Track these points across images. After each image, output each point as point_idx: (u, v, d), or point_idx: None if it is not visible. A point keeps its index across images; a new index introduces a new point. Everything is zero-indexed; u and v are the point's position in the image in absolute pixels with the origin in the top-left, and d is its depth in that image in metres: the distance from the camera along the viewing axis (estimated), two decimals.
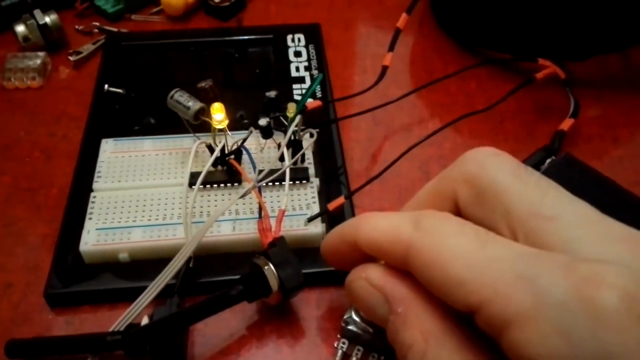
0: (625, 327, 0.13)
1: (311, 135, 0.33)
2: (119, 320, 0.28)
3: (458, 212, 0.21)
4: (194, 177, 0.32)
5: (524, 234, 0.17)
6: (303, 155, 0.34)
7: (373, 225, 0.20)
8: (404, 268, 0.19)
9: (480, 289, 0.15)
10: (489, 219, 0.18)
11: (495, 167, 0.19)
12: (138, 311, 0.27)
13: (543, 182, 0.18)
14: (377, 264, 0.21)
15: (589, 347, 0.13)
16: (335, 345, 0.27)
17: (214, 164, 0.33)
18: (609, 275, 0.14)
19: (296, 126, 0.32)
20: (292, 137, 0.32)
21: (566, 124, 0.37)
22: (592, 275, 0.14)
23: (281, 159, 0.32)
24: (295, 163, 0.33)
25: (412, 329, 0.18)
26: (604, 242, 0.15)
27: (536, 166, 0.34)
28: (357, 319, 0.26)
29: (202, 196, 0.32)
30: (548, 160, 0.35)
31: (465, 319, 0.17)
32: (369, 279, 0.20)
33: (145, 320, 0.27)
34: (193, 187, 0.31)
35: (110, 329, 0.28)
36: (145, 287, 0.27)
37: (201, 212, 0.31)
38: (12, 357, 0.27)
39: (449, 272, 0.16)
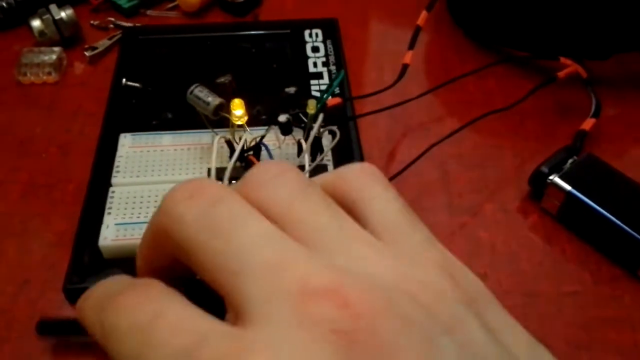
0: None
1: (333, 136, 0.33)
2: None
3: None
4: (211, 173, 0.31)
5: (225, 299, 0.14)
6: (321, 152, 0.33)
7: (78, 310, 0.17)
8: None
9: None
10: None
11: (180, 221, 0.15)
12: None
13: (227, 226, 0.14)
14: None
15: None
16: None
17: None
18: None
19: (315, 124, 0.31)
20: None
21: (588, 124, 0.37)
22: None
23: (299, 155, 0.32)
24: (313, 160, 0.33)
25: None
26: (277, 297, 0.13)
27: (558, 166, 0.34)
28: None
29: None
30: (570, 161, 0.34)
31: None
32: None
33: None
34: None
35: None
36: None
37: None
38: (43, 334, 0.27)
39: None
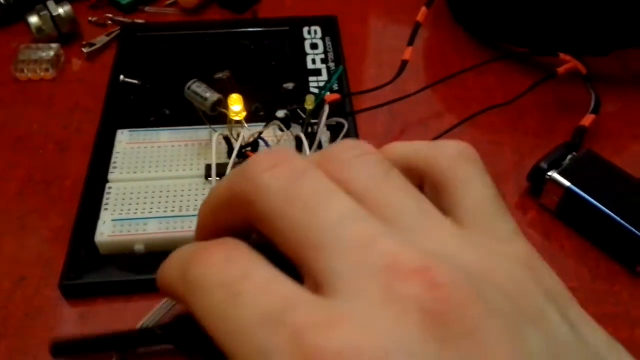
0: None
1: (332, 132, 0.32)
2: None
3: None
4: (209, 169, 0.31)
5: (301, 269, 0.14)
6: (320, 148, 0.33)
7: (159, 275, 0.17)
8: None
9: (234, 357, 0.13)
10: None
11: (266, 190, 0.15)
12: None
13: (312, 202, 0.14)
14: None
15: None
16: None
17: (231, 156, 0.32)
18: (331, 350, 0.12)
19: (318, 119, 0.31)
20: (310, 130, 0.32)
21: (587, 120, 0.37)
22: (314, 352, 0.12)
23: (299, 151, 0.32)
24: None
25: None
26: (364, 273, 0.13)
27: (557, 162, 0.34)
28: None
29: None
30: (569, 157, 0.34)
31: None
32: None
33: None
34: (209, 179, 0.30)
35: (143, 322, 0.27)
36: None
37: None
38: (58, 356, 0.27)
39: (214, 339, 0.14)
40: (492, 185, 0.17)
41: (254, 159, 0.16)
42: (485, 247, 0.15)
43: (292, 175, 0.15)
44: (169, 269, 0.16)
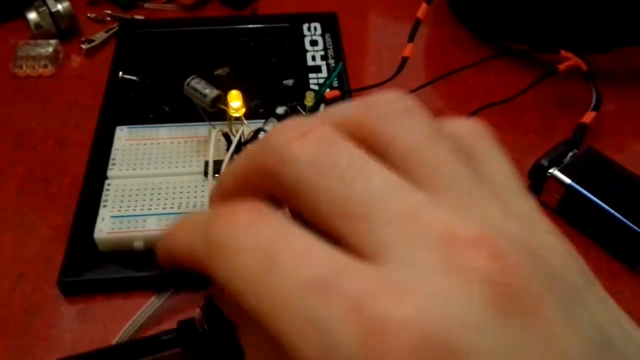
0: None
1: None
2: (140, 311, 0.27)
3: None
4: (208, 165, 0.31)
5: (339, 240, 0.14)
6: None
7: (170, 240, 0.16)
8: None
9: (273, 326, 0.12)
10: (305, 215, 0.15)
11: (294, 162, 0.14)
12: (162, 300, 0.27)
13: (348, 173, 0.14)
14: None
15: None
16: None
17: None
18: (397, 317, 0.11)
19: None
20: None
21: (588, 117, 0.37)
22: (379, 321, 0.11)
23: None
24: None
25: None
26: (417, 245, 0.12)
27: (558, 159, 0.33)
28: None
29: None
30: (570, 154, 0.34)
31: None
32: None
33: (197, 313, 0.26)
34: (208, 175, 0.30)
35: (132, 320, 0.27)
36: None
37: None
38: None
39: (244, 304, 0.13)
40: (510, 162, 0.16)
41: (279, 129, 0.15)
42: (525, 220, 0.14)
43: (323, 144, 0.14)
44: (184, 230, 0.15)
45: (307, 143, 0.14)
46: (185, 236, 0.15)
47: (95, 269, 0.29)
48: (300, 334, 0.12)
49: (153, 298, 0.28)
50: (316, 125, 0.14)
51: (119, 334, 0.28)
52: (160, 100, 0.37)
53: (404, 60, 0.38)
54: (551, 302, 0.12)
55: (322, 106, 0.31)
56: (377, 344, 0.11)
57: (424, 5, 0.40)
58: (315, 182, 0.14)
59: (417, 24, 0.39)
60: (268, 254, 0.13)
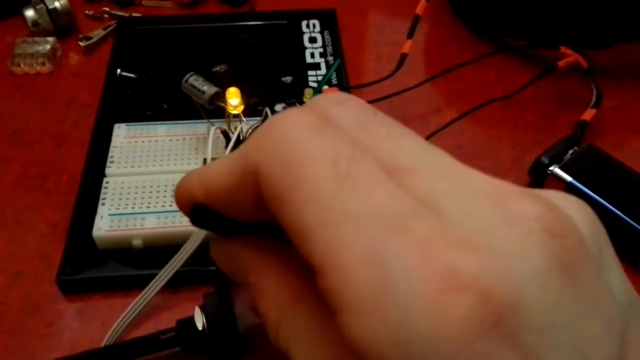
0: (467, 345, 0.11)
1: None
2: (131, 305, 0.27)
3: None
4: (207, 163, 0.31)
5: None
6: None
7: (210, 169, 0.15)
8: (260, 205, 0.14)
9: (325, 251, 0.12)
10: None
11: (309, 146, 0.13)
12: (147, 299, 0.27)
13: (395, 131, 0.14)
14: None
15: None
16: None
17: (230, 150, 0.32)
18: (466, 271, 0.11)
19: None
20: None
21: (588, 114, 0.37)
22: (448, 270, 0.11)
23: None
24: None
25: (265, 299, 0.15)
26: (469, 196, 0.12)
27: (559, 157, 0.33)
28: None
29: None
30: (570, 151, 0.34)
31: None
32: (221, 250, 0.17)
33: (197, 312, 0.26)
34: None
35: (121, 318, 0.27)
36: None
37: None
38: None
39: (298, 216, 0.12)
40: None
41: (276, 125, 0.13)
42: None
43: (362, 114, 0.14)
44: (219, 160, 0.15)
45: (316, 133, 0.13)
46: (227, 160, 0.14)
47: (94, 267, 0.29)
48: (356, 265, 0.11)
49: (140, 294, 0.28)
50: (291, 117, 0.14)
51: (109, 332, 0.28)
52: (158, 98, 0.37)
53: (403, 56, 0.38)
54: (592, 261, 0.12)
55: None
56: (445, 294, 0.11)
57: (423, 2, 0.40)
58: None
59: (416, 20, 0.39)
60: (340, 169, 0.12)
